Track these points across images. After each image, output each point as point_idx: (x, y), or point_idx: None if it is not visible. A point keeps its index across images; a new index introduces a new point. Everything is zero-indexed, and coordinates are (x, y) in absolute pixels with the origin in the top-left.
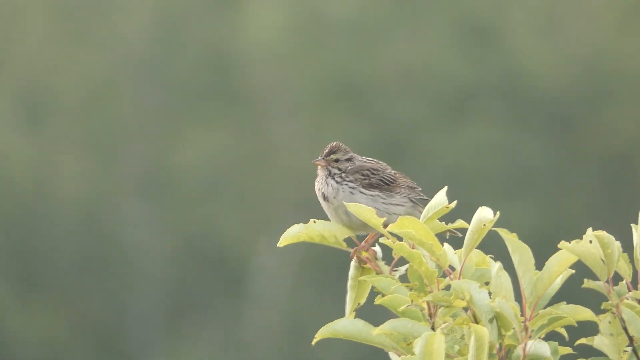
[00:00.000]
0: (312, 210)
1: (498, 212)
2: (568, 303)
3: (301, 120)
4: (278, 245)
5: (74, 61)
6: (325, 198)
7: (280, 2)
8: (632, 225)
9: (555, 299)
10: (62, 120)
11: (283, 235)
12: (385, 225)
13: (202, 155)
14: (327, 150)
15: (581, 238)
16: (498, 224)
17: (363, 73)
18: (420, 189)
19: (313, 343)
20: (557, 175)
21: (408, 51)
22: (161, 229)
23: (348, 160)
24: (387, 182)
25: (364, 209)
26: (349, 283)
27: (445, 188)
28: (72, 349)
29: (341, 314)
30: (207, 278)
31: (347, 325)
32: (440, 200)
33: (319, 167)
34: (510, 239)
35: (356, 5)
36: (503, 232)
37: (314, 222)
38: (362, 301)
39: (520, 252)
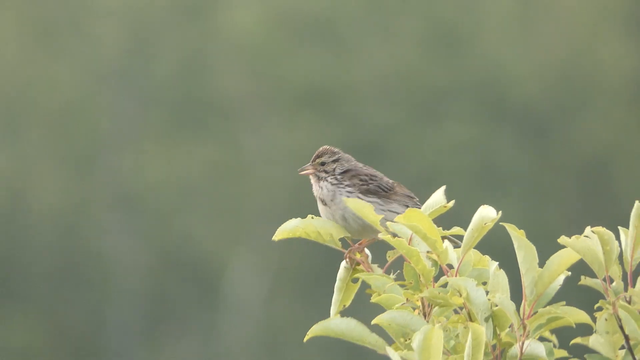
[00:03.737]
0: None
1: (500, 212)
2: (561, 301)
3: (275, 128)
4: (273, 238)
5: (50, 73)
6: (323, 202)
7: (253, 10)
8: (619, 228)
9: (553, 299)
10: (38, 132)
11: (279, 228)
12: (382, 223)
13: (177, 166)
14: (314, 156)
15: (555, 243)
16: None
17: (336, 79)
18: (417, 199)
19: (305, 340)
20: (532, 181)
21: (381, 56)
22: (137, 240)
23: (335, 161)
24: (385, 190)
25: (362, 205)
26: (337, 284)
27: (444, 187)
28: (49, 359)
29: (318, 320)
30: (184, 289)
31: (340, 324)
32: (437, 199)
33: (309, 175)
34: (517, 236)
35: (328, 11)
36: (510, 228)
37: (312, 217)
38: (348, 303)
39: (525, 249)
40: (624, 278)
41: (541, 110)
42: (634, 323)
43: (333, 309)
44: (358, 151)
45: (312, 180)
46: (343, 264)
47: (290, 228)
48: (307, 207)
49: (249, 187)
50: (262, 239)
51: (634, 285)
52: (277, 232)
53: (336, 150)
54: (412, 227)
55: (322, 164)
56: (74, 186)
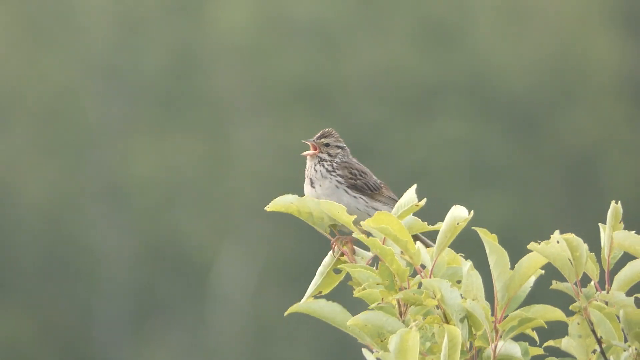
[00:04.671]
0: (275, 214)
1: (472, 211)
2: (536, 304)
3: (264, 123)
4: (266, 209)
5: (37, 66)
6: (312, 184)
7: (243, 5)
8: (599, 224)
9: (526, 300)
10: (27, 125)
11: (274, 200)
12: (356, 223)
13: (166, 160)
14: (318, 134)
15: (544, 238)
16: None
17: (326, 75)
18: None
19: (285, 314)
20: (521, 175)
21: (372, 53)
22: (125, 233)
23: (339, 147)
24: (371, 188)
25: (334, 207)
26: (320, 269)
27: (415, 186)
28: (36, 352)
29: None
30: (171, 282)
31: (325, 307)
32: (409, 198)
33: (308, 156)
34: (489, 240)
35: (319, 8)
36: (482, 232)
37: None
38: (325, 291)
39: (497, 254)
40: (602, 276)
41: (530, 105)
42: (609, 324)
43: (308, 292)
44: (349, 148)
45: (309, 163)
46: (331, 251)
47: (284, 203)
48: None
49: (237, 181)
50: (251, 232)
51: (611, 284)
52: (271, 203)
53: (341, 138)
54: (382, 229)
55: (327, 145)
56: (62, 179)
